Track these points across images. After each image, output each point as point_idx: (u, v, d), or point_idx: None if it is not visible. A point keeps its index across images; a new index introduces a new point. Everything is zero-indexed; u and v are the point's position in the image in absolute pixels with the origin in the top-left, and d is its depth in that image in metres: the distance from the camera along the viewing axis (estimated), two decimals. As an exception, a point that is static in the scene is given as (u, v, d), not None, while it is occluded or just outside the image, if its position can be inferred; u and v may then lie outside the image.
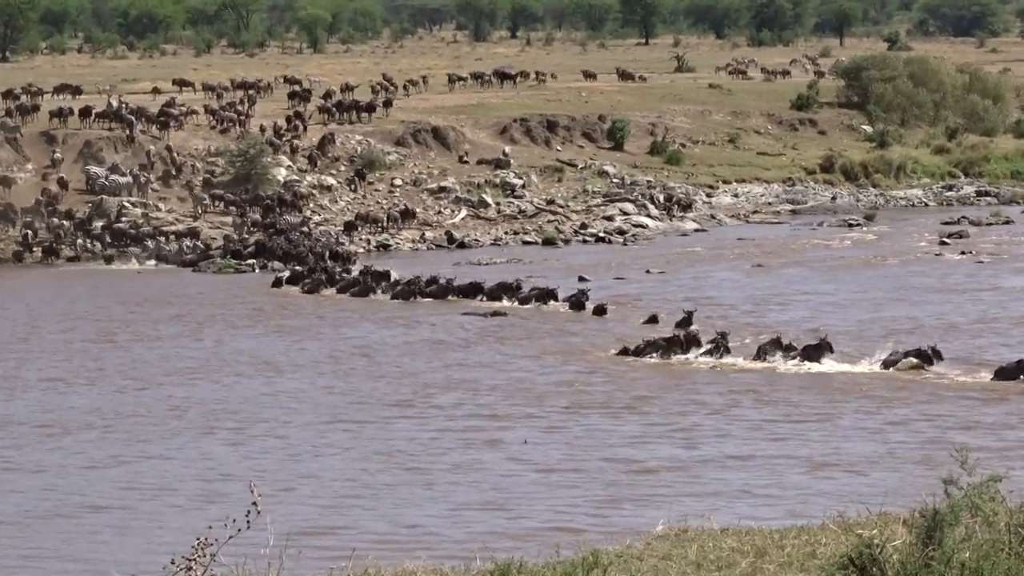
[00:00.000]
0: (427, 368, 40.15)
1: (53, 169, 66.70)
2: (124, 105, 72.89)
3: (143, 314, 50.13)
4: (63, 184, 65.51)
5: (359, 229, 65.76)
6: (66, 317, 49.90)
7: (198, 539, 11.08)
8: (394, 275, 54.06)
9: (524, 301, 49.83)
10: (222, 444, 32.60)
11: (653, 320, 45.19)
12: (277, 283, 55.62)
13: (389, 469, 29.98)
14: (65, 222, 63.50)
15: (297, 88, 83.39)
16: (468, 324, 46.77)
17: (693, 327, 42.15)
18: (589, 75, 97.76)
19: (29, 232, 62.63)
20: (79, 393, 38.13)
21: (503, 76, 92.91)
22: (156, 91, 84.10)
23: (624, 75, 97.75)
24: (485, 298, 50.45)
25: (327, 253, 60.50)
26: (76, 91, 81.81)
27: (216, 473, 30.09)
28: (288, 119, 73.94)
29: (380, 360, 41.53)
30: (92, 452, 32.09)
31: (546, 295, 49.81)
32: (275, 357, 42.33)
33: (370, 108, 76.58)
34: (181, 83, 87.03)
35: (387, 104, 77.53)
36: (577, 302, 48.59)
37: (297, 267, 57.77)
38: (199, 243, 63.04)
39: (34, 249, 62.25)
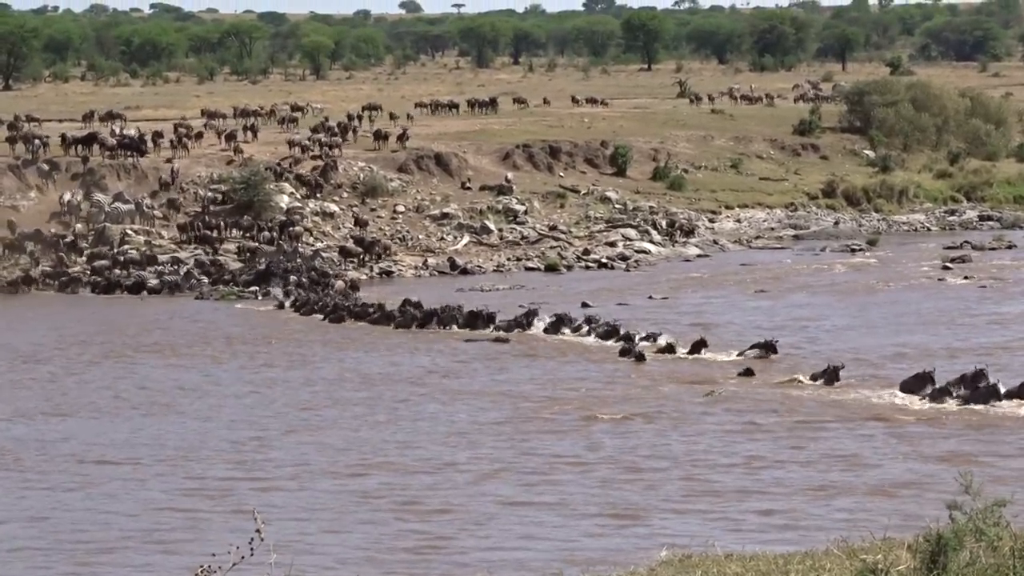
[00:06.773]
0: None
1: (57, 197, 66.66)
2: (122, 130, 73.41)
3: (157, 342, 50.14)
4: (66, 212, 65.56)
5: (355, 257, 65.52)
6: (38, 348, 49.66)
7: (200, 567, 10.95)
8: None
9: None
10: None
11: (749, 374, 41.12)
12: (338, 318, 52.89)
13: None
14: (68, 249, 63.42)
15: (323, 119, 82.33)
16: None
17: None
18: (519, 101, 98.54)
19: (33, 260, 62.55)
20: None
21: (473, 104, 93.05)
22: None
23: (578, 101, 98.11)
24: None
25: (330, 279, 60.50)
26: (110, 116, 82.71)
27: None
28: (302, 147, 73.87)
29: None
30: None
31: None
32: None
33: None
34: (109, 116, 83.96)
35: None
36: (627, 349, 44.86)
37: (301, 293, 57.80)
38: (201, 270, 62.88)
39: (37, 277, 62.08)
